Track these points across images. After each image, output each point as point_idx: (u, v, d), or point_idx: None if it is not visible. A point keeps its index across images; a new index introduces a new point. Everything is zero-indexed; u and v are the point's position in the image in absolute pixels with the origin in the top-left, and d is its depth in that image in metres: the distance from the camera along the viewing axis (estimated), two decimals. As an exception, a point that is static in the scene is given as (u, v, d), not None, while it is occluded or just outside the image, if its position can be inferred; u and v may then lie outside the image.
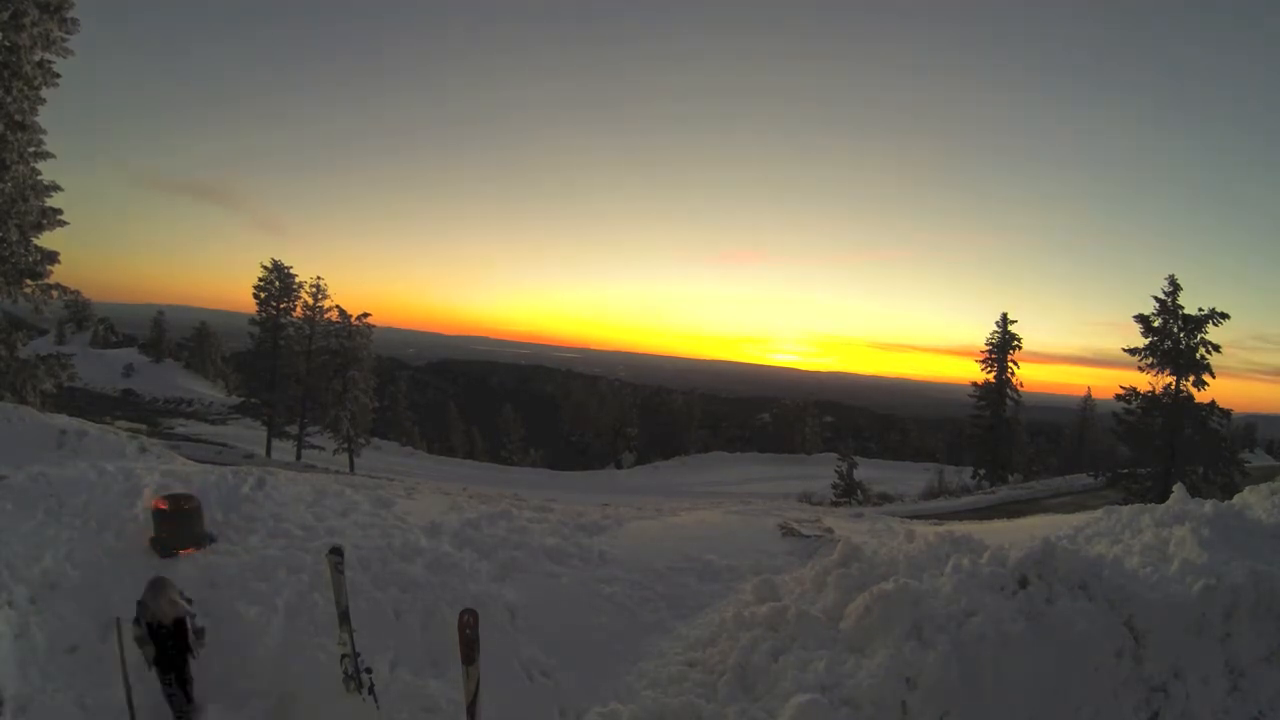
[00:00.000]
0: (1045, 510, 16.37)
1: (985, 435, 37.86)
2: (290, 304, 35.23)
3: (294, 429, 35.25)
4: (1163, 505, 6.56)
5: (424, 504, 8.76)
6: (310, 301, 35.40)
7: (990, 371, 38.40)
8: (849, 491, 32.77)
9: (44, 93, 14.96)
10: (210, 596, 5.14)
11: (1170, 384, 24.69)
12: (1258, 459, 39.38)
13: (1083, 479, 31.08)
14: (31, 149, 14.94)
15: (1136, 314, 25.16)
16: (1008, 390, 38.26)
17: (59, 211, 15.61)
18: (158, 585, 4.47)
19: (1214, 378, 24.35)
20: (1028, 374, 38.65)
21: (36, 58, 14.52)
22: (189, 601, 4.59)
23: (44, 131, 15.08)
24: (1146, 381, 25.04)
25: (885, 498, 30.97)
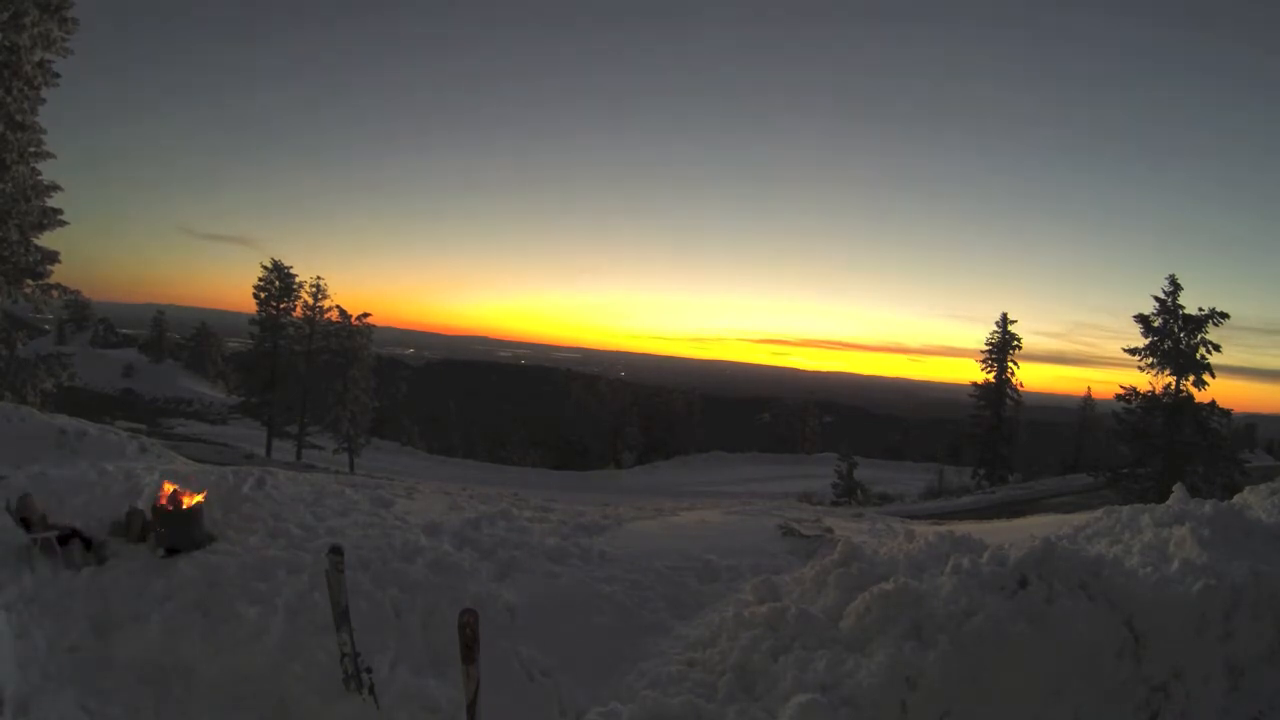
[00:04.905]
0: (1045, 510, 16.37)
1: (985, 435, 37.91)
2: (290, 304, 35.27)
3: (294, 429, 35.27)
4: (1163, 505, 6.55)
5: (424, 504, 8.76)
6: (310, 301, 35.47)
7: (990, 372, 38.46)
8: (849, 491, 32.79)
9: (44, 93, 14.96)
10: (210, 596, 5.14)
11: (1170, 384, 24.71)
12: (1258, 459, 39.39)
13: (1083, 479, 31.12)
14: (32, 149, 14.95)
15: (1137, 314, 25.23)
16: (1007, 390, 38.31)
17: (59, 211, 15.63)
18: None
19: (1214, 378, 24.40)
20: (1027, 374, 38.74)
21: (36, 58, 14.53)
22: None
23: (44, 131, 15.11)
24: (1146, 381, 25.10)
25: (885, 498, 30.99)
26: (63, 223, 15.60)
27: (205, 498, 6.07)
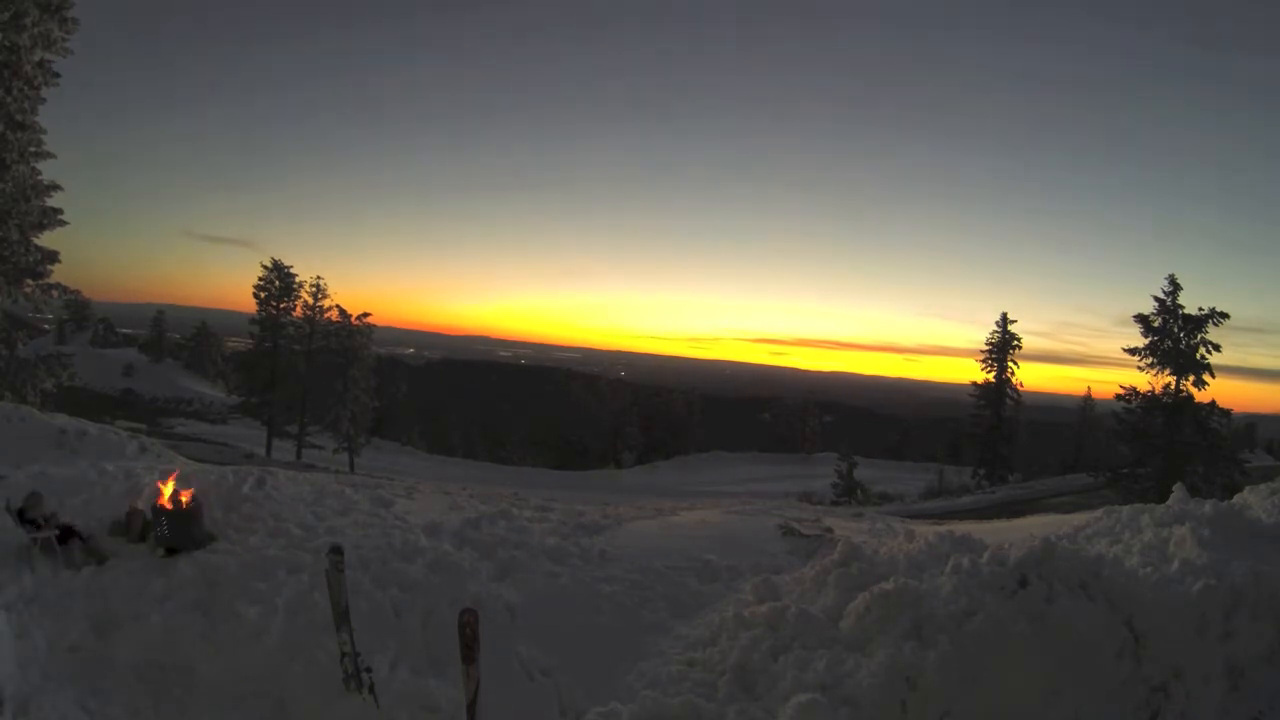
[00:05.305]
0: (1045, 510, 16.36)
1: (985, 435, 37.89)
2: (290, 304, 35.23)
3: (294, 429, 35.26)
4: (1163, 505, 6.56)
5: (424, 504, 8.77)
6: (310, 301, 35.43)
7: (990, 371, 38.45)
8: (849, 491, 32.80)
9: (45, 93, 14.96)
10: (210, 596, 5.14)
11: (1170, 384, 24.71)
12: (1258, 459, 39.38)
13: (1083, 479, 31.12)
14: (32, 149, 14.94)
15: (1136, 314, 25.23)
16: (1007, 390, 38.30)
17: (59, 211, 15.62)
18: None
19: (1214, 377, 24.40)
20: (1027, 374, 38.73)
21: (36, 58, 14.52)
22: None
23: (44, 131, 15.10)
24: (1146, 381, 25.09)
25: (885, 498, 31.00)
26: (63, 222, 15.60)
27: (205, 497, 6.07)
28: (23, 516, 5.54)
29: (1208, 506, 6.14)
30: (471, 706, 3.92)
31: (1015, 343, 38.33)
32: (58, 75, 15.08)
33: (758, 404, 69.78)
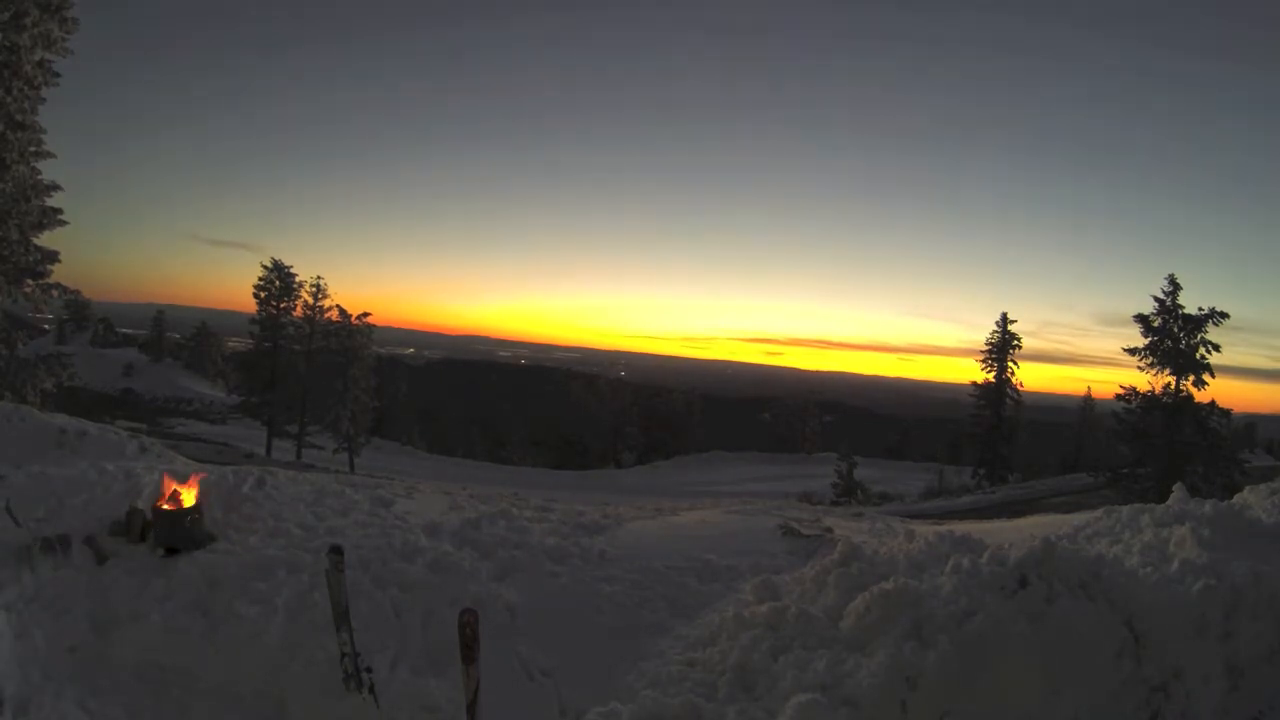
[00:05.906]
0: (1045, 510, 16.33)
1: (985, 435, 37.94)
2: (290, 303, 35.31)
3: (294, 428, 35.29)
4: (1163, 505, 6.55)
5: (424, 504, 8.75)
6: (310, 301, 35.54)
7: (990, 371, 38.51)
8: (849, 491, 32.82)
9: (44, 92, 14.98)
10: (210, 596, 5.15)
11: (1170, 384, 24.74)
12: (1258, 459, 39.36)
13: (1083, 479, 31.13)
14: (32, 148, 14.97)
15: (1136, 314, 25.30)
16: (1008, 390, 38.36)
17: (59, 211, 15.66)
18: None
19: (1214, 377, 24.45)
20: (1027, 374, 38.80)
21: (36, 57, 14.55)
22: None
23: (44, 131, 15.13)
24: (1146, 381, 25.14)
25: (885, 498, 31.03)
26: (62, 222, 15.61)
27: (205, 497, 6.07)
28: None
29: (1208, 506, 6.14)
30: (471, 706, 3.92)
31: (1015, 343, 38.42)
32: (58, 75, 15.10)
33: (757, 404, 69.71)
